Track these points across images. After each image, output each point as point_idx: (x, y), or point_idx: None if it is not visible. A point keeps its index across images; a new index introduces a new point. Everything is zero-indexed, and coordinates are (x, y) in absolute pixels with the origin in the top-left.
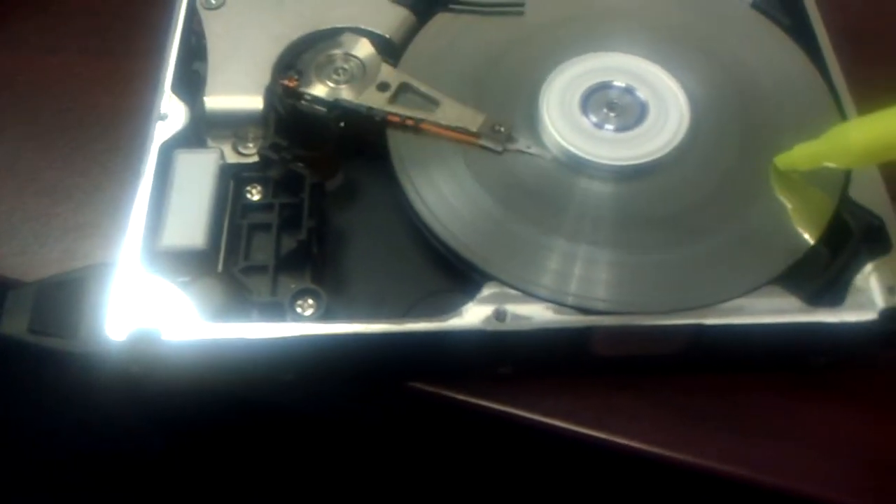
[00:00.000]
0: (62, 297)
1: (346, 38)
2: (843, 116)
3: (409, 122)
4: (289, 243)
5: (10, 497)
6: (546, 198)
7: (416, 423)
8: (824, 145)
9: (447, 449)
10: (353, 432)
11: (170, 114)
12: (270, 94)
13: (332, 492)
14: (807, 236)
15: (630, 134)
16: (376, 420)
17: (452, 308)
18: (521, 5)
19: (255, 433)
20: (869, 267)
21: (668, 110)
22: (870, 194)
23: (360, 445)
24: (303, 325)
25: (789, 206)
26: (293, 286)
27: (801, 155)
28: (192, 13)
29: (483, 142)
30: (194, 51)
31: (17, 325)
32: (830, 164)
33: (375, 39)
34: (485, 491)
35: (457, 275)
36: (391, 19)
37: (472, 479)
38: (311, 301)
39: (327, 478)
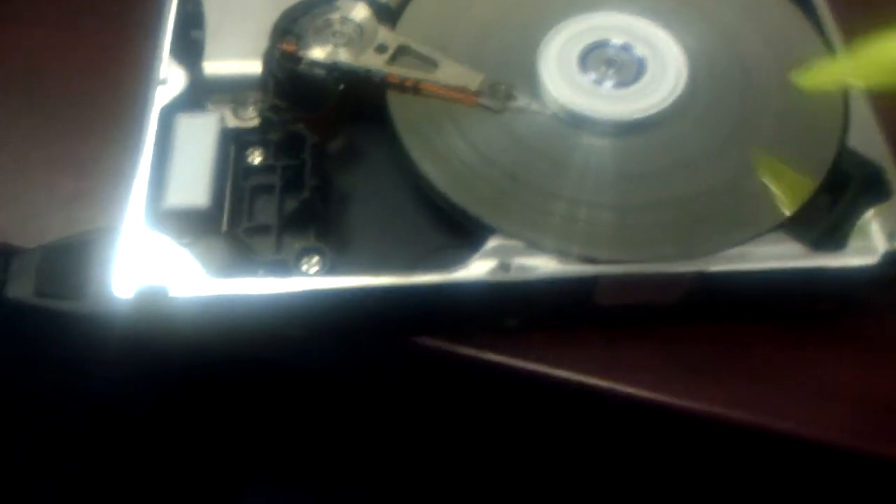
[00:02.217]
0: (67, 259)
1: (342, 2)
2: None
3: (409, 83)
4: (292, 205)
5: (16, 460)
6: (547, 154)
7: (423, 379)
8: (855, 60)
9: (455, 404)
10: (361, 391)
11: (169, 78)
12: (269, 59)
13: (339, 451)
14: (808, 183)
15: (629, 90)
16: (383, 378)
17: (457, 263)
18: None
19: (262, 392)
20: (870, 213)
21: (665, 66)
22: (868, 143)
23: (368, 404)
24: (309, 280)
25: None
26: (297, 245)
27: (824, 74)
28: None
29: (483, 100)
30: (192, 18)
31: (23, 289)
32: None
33: (371, 4)
34: (493, 445)
35: (459, 231)
36: None
37: (480, 434)
38: (315, 258)
39: (336, 437)
